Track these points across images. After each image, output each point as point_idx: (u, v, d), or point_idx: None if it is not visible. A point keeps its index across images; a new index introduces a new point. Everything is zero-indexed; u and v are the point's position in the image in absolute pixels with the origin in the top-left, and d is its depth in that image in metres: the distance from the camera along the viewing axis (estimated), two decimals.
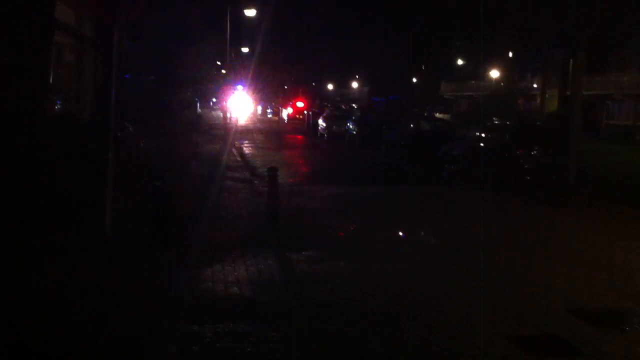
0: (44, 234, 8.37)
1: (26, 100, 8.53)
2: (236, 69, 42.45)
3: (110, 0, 9.25)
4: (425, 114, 36.52)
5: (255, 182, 17.61)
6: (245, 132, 43.41)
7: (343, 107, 56.45)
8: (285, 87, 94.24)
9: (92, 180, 9.29)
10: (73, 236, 8.87)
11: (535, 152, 17.89)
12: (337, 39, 63.25)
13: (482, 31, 43.23)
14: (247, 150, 29.64)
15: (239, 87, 39.48)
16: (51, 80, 10.50)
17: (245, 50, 56.90)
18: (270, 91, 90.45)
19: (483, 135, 19.83)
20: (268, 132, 46.53)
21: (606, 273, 9.10)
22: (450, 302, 7.66)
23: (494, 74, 61.60)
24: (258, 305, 7.14)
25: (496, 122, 25.05)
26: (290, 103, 69.65)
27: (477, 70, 67.73)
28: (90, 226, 9.19)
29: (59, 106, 13.67)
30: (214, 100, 64.55)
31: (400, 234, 11.87)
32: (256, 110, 79.77)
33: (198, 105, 49.22)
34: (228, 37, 36.31)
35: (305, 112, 60.81)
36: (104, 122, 9.60)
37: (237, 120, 54.75)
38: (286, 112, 67.84)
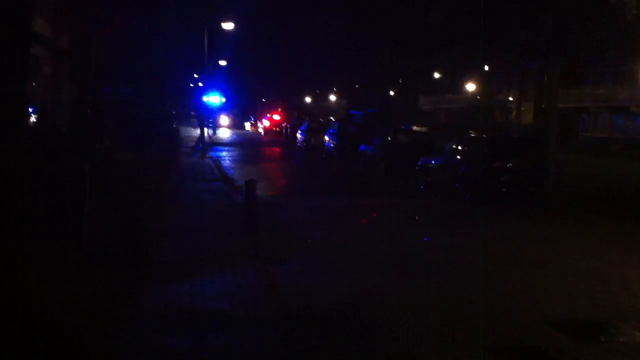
0: (20, 248, 8.27)
1: (2, 113, 8.44)
2: (214, 81, 42.45)
3: (88, 13, 9.20)
4: (403, 127, 36.60)
5: (233, 195, 17.56)
6: (223, 145, 43.33)
7: (321, 119, 56.59)
8: (263, 99, 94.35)
9: (69, 194, 9.21)
10: (49, 250, 8.77)
11: (511, 164, 18.01)
12: (315, 52, 63.44)
13: (459, 45, 43.61)
14: (224, 163, 29.56)
15: (217, 99, 39.46)
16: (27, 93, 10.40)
17: (223, 63, 56.86)
18: (248, 104, 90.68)
19: (460, 147, 19.93)
20: (246, 145, 46.51)
21: (584, 284, 9.17)
22: (429, 314, 7.67)
23: (471, 87, 62.21)
24: (237, 319, 7.10)
25: (472, 135, 25.25)
26: (267, 116, 69.62)
27: (454, 83, 68.35)
28: (67, 240, 9.10)
29: (34, 118, 13.56)
30: (192, 113, 64.42)
31: (379, 246, 11.87)
32: (234, 122, 79.71)
33: (174, 118, 49.07)
34: (206, 49, 36.27)
35: (283, 124, 60.90)
36: (81, 135, 9.54)
37: (214, 133, 54.71)
38: (263, 125, 67.81)
